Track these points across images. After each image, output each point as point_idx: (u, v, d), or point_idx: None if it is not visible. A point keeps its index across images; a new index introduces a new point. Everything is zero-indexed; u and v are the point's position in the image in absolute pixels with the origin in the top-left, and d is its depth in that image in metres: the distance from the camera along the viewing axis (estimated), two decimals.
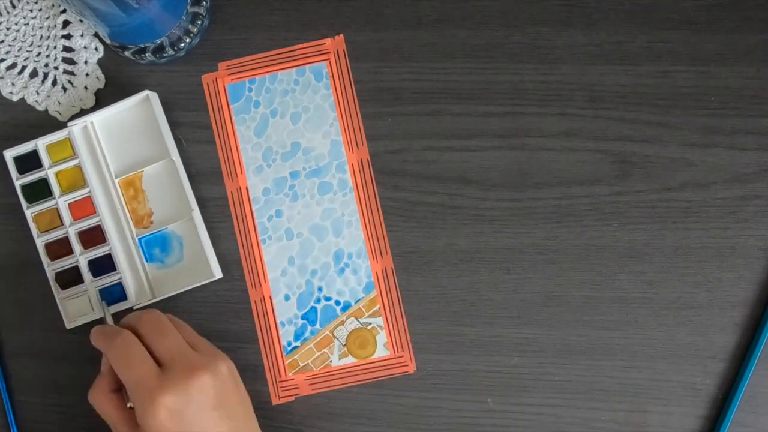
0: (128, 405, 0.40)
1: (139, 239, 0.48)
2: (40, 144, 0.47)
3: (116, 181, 0.48)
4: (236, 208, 0.48)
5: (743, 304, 0.46)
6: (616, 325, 0.47)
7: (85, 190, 0.47)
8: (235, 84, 0.48)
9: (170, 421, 0.36)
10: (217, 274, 0.47)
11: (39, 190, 0.47)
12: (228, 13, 0.48)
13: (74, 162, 0.47)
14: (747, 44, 0.46)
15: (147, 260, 0.48)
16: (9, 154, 0.47)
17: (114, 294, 0.48)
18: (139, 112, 0.48)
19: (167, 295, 0.47)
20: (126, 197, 0.48)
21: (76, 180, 0.48)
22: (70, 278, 0.48)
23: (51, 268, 0.47)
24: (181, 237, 0.48)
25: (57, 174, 0.47)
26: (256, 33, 0.48)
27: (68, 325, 0.47)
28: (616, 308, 0.47)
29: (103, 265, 0.47)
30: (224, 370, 0.40)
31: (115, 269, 0.47)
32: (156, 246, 0.48)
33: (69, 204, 0.48)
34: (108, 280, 0.47)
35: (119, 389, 0.41)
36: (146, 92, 0.46)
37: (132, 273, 0.48)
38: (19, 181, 0.47)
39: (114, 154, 0.48)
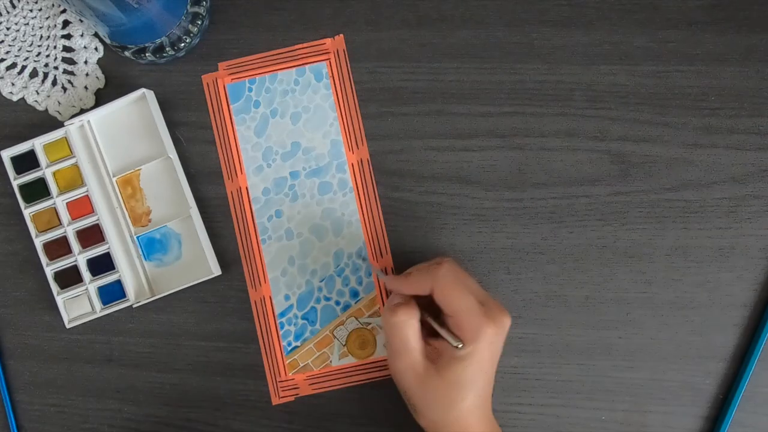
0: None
1: (138, 237, 0.48)
2: (37, 143, 0.47)
3: (114, 179, 0.48)
4: (236, 208, 0.48)
5: (743, 304, 0.46)
6: (616, 325, 0.47)
7: (83, 189, 0.47)
8: (235, 84, 0.48)
9: (487, 350, 0.39)
10: (216, 271, 0.47)
11: (37, 190, 0.47)
12: (228, 13, 0.48)
13: (71, 161, 0.47)
14: (747, 44, 0.46)
15: (145, 258, 0.48)
16: (6, 154, 0.47)
17: (113, 292, 0.48)
18: (135, 111, 0.48)
19: (167, 293, 0.47)
20: (124, 195, 0.48)
21: (73, 179, 0.48)
22: (69, 277, 0.48)
23: (50, 267, 0.47)
24: (179, 235, 0.48)
25: (54, 173, 0.47)
26: (256, 33, 0.48)
27: (68, 325, 0.47)
28: (616, 308, 0.47)
29: (102, 264, 0.47)
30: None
31: (113, 268, 0.47)
32: (154, 244, 0.48)
33: (67, 203, 0.48)
34: (107, 278, 0.47)
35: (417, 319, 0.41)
36: (142, 90, 0.46)
37: (131, 271, 0.48)
38: (16, 181, 0.47)
39: (111, 152, 0.48)
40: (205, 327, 0.48)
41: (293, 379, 0.48)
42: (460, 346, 0.39)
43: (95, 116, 0.47)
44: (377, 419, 0.48)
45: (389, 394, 0.48)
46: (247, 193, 0.48)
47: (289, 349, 0.48)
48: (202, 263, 0.47)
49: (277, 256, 0.48)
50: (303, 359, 0.48)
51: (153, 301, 0.48)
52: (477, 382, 0.40)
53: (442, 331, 0.40)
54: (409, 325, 0.40)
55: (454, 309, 0.40)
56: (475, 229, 0.47)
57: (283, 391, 0.48)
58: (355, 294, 0.48)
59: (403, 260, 0.47)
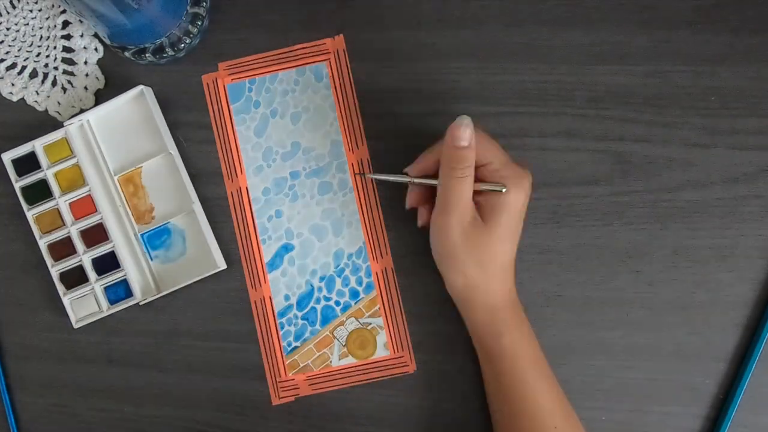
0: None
1: (141, 235, 0.48)
2: (38, 145, 0.47)
3: (115, 178, 0.48)
4: (236, 208, 0.48)
5: (743, 304, 0.46)
6: (616, 325, 0.47)
7: (85, 189, 0.47)
8: (235, 84, 0.48)
9: (524, 198, 0.41)
10: (221, 264, 0.47)
11: (39, 192, 0.48)
12: (228, 14, 0.48)
13: (72, 161, 0.47)
14: (747, 44, 0.46)
15: (150, 256, 0.48)
16: (7, 157, 0.47)
17: (119, 291, 0.48)
18: (134, 108, 0.48)
19: (173, 289, 0.47)
20: (126, 194, 0.48)
21: (75, 179, 0.48)
22: (75, 278, 0.48)
23: (55, 268, 0.47)
24: (183, 230, 0.48)
25: (56, 174, 0.48)
26: (256, 33, 0.48)
27: (76, 325, 0.48)
28: (616, 308, 0.47)
29: (107, 263, 0.48)
30: None
31: (119, 266, 0.47)
32: (158, 241, 0.48)
33: (69, 203, 0.48)
34: (112, 277, 0.47)
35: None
36: (140, 87, 0.46)
37: (136, 269, 0.48)
38: (18, 184, 0.47)
39: (112, 151, 0.48)
40: (205, 327, 0.48)
41: (293, 379, 0.48)
42: (504, 190, 0.40)
43: (94, 115, 0.47)
44: (377, 419, 0.48)
45: (389, 394, 0.48)
46: (247, 193, 0.48)
47: (289, 349, 0.48)
48: (207, 258, 0.47)
49: (277, 256, 0.48)
50: (303, 359, 0.48)
51: (153, 301, 0.48)
52: (513, 235, 0.42)
53: (484, 184, 0.41)
54: (470, 181, 0.41)
55: (492, 155, 0.41)
56: None
57: (283, 391, 0.48)
58: (355, 294, 0.48)
59: (404, 260, 0.47)
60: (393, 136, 0.47)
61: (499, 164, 0.41)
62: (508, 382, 0.43)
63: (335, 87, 0.48)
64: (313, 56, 0.48)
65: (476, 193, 0.41)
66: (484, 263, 0.41)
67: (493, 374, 0.44)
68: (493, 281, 0.42)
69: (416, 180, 0.44)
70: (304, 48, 0.48)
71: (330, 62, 0.48)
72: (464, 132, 0.40)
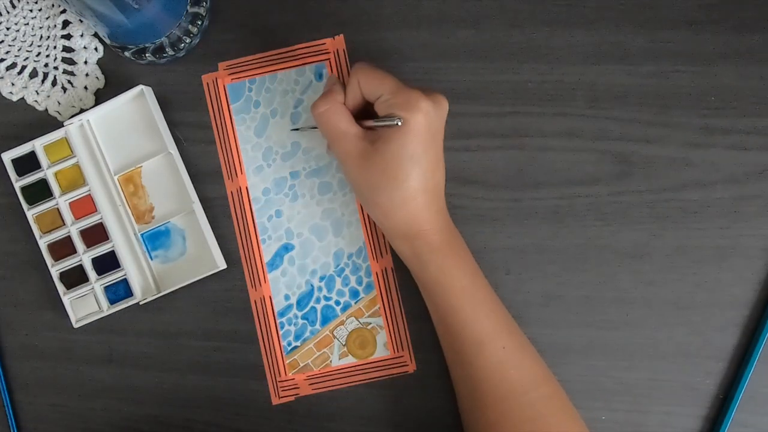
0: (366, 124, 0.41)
1: (141, 234, 0.48)
2: (38, 145, 0.47)
3: (115, 177, 0.48)
4: (236, 208, 0.48)
5: (743, 304, 0.46)
6: (616, 325, 0.47)
7: (85, 189, 0.47)
8: (235, 84, 0.48)
9: (424, 122, 0.39)
10: (221, 264, 0.47)
11: (39, 191, 0.48)
12: (228, 13, 0.48)
13: (72, 161, 0.47)
14: (747, 44, 0.46)
15: (150, 255, 0.48)
16: (7, 157, 0.47)
17: (119, 291, 0.48)
18: (134, 108, 0.48)
19: (173, 288, 0.47)
20: (126, 193, 0.48)
21: (75, 179, 0.48)
22: (75, 277, 0.48)
23: (55, 268, 0.47)
24: (183, 230, 0.48)
25: (56, 174, 0.48)
26: (256, 33, 0.48)
27: (76, 325, 0.48)
28: (616, 308, 0.47)
29: (107, 263, 0.48)
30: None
31: (119, 266, 0.47)
32: (158, 240, 0.48)
33: (69, 203, 0.48)
34: (112, 277, 0.47)
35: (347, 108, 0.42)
36: (140, 87, 0.46)
37: (136, 269, 0.48)
38: (18, 183, 0.47)
39: (112, 151, 0.48)
40: (205, 327, 0.48)
41: (293, 379, 0.48)
42: (399, 122, 0.39)
43: (94, 115, 0.47)
44: (377, 419, 0.48)
45: (389, 394, 0.48)
46: (247, 193, 0.48)
47: (289, 349, 0.48)
48: (207, 258, 0.47)
49: (277, 256, 0.48)
50: (303, 359, 0.48)
51: (153, 301, 0.48)
52: (419, 158, 0.39)
53: (377, 121, 0.40)
54: (334, 110, 0.41)
55: (382, 88, 0.40)
56: (475, 229, 0.47)
57: (283, 391, 0.48)
58: (355, 294, 0.48)
59: None
60: None
61: (389, 94, 0.40)
62: (445, 311, 0.42)
63: None
64: (313, 56, 0.48)
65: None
66: (384, 188, 0.40)
67: (431, 304, 0.43)
68: (402, 206, 0.40)
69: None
70: (304, 48, 0.48)
71: (330, 62, 0.48)
72: (324, 85, 0.40)
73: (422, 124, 0.39)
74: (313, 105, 0.41)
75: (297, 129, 0.47)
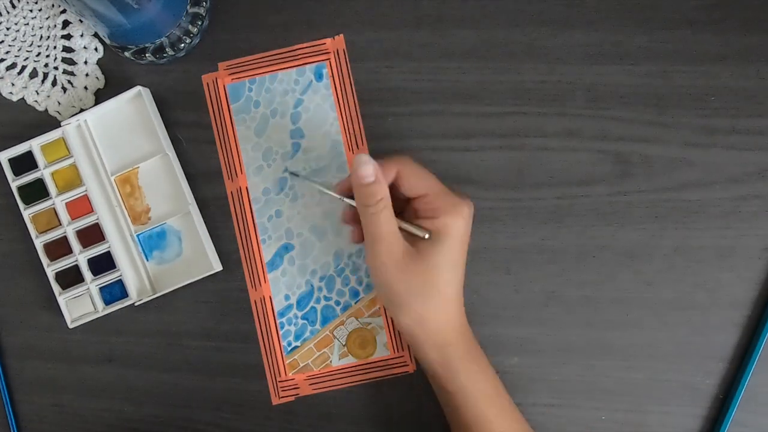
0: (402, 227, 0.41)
1: (138, 235, 0.48)
2: (35, 145, 0.47)
3: (112, 178, 0.48)
4: (236, 208, 0.48)
5: (743, 304, 0.46)
6: (616, 325, 0.47)
7: (82, 189, 0.47)
8: (235, 84, 0.48)
9: (465, 228, 0.40)
10: (217, 266, 0.47)
11: (35, 191, 0.48)
12: (228, 13, 0.48)
13: (69, 161, 0.47)
14: (747, 44, 0.46)
15: (146, 256, 0.48)
16: (4, 156, 0.47)
17: (115, 291, 0.48)
18: (132, 109, 0.48)
19: (168, 290, 0.47)
20: (123, 194, 0.48)
21: (72, 179, 0.48)
22: (71, 277, 0.48)
23: (51, 268, 0.47)
24: (179, 231, 0.48)
25: (53, 174, 0.47)
26: (256, 33, 0.48)
27: (71, 325, 0.48)
28: (616, 308, 0.47)
29: (103, 263, 0.48)
30: None
31: (114, 267, 0.47)
32: (154, 241, 0.48)
33: (66, 203, 0.48)
34: (108, 277, 0.47)
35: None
36: (138, 88, 0.46)
37: (132, 270, 0.48)
38: (14, 183, 0.47)
39: (109, 151, 0.48)
40: (205, 327, 0.48)
41: (293, 379, 0.48)
42: (427, 236, 0.39)
43: (92, 116, 0.47)
44: (377, 419, 0.48)
45: (389, 394, 0.48)
46: (247, 193, 0.48)
47: (289, 349, 0.48)
48: (203, 260, 0.47)
49: (277, 256, 0.48)
50: (303, 359, 0.48)
51: (153, 300, 0.48)
52: (459, 265, 0.40)
53: (408, 226, 0.40)
54: (384, 214, 0.39)
55: (426, 186, 0.40)
56: (475, 229, 0.47)
57: (283, 391, 0.48)
58: (355, 294, 0.48)
59: None
60: (393, 136, 0.47)
61: (434, 196, 0.40)
62: (469, 418, 0.41)
63: (335, 87, 0.48)
64: (313, 56, 0.48)
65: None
66: (425, 295, 0.39)
67: (453, 408, 0.42)
68: (439, 314, 0.40)
69: (345, 199, 0.42)
70: (304, 48, 0.48)
71: (330, 62, 0.48)
72: (366, 170, 0.38)
73: (464, 232, 0.40)
74: (364, 205, 0.39)
75: (296, 174, 0.47)
